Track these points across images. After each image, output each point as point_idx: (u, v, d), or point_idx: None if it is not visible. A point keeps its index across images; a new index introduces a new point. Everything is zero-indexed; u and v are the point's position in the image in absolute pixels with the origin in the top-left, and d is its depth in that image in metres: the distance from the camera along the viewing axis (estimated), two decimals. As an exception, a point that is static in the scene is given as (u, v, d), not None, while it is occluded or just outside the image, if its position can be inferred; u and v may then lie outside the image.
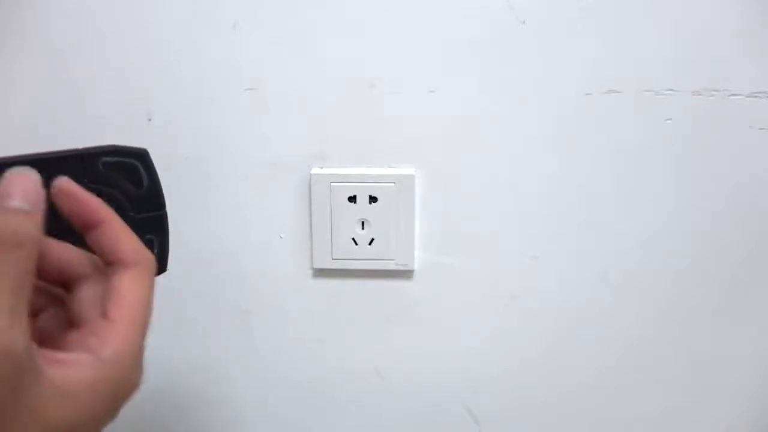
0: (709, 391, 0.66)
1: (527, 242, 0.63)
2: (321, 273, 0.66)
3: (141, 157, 0.38)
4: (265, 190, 0.64)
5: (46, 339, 0.31)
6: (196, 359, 0.69)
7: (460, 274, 0.65)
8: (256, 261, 0.66)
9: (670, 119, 0.59)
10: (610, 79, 0.59)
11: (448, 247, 0.64)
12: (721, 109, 0.58)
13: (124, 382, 0.31)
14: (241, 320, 0.67)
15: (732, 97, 0.58)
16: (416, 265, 0.65)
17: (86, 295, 0.33)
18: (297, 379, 0.69)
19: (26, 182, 0.30)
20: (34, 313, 0.30)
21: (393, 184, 0.62)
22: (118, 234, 0.33)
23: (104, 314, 0.32)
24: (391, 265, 0.64)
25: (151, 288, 0.33)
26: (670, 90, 0.59)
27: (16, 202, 0.29)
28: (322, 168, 0.63)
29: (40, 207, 0.30)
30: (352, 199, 0.63)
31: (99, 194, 0.36)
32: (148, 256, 0.34)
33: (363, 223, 0.63)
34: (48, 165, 0.35)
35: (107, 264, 0.33)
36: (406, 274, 0.65)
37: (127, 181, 0.38)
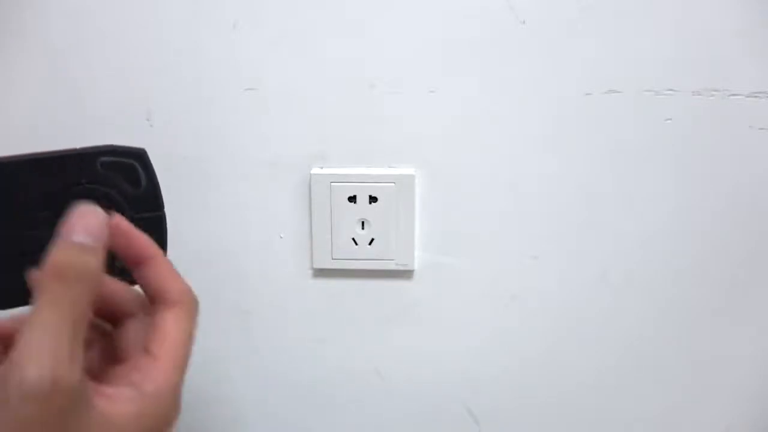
0: (709, 391, 0.66)
1: (527, 242, 0.63)
2: (321, 273, 0.66)
3: (139, 157, 0.38)
4: (265, 190, 0.64)
5: (92, 371, 0.32)
6: (196, 359, 0.68)
7: (460, 274, 0.65)
8: (256, 261, 0.66)
9: (670, 119, 0.59)
10: (610, 79, 0.59)
11: (448, 247, 0.64)
12: (721, 109, 0.58)
13: (164, 416, 0.32)
14: (241, 320, 0.67)
15: (732, 97, 0.58)
16: (416, 265, 0.65)
17: (131, 332, 0.35)
18: (297, 379, 0.69)
19: (91, 218, 0.31)
20: (85, 346, 0.31)
21: (393, 184, 0.62)
22: (165, 273, 0.34)
23: (147, 350, 0.33)
24: (391, 265, 0.64)
25: (193, 326, 0.35)
26: (670, 90, 0.59)
27: (81, 237, 0.30)
28: (322, 168, 0.63)
29: (103, 243, 0.31)
30: (352, 199, 0.63)
31: (97, 194, 0.36)
32: (192, 296, 0.35)
33: (363, 223, 0.63)
34: (47, 165, 0.35)
35: (152, 301, 0.34)
36: (406, 274, 0.65)
37: (125, 181, 0.38)
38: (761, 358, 0.64)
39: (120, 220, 0.33)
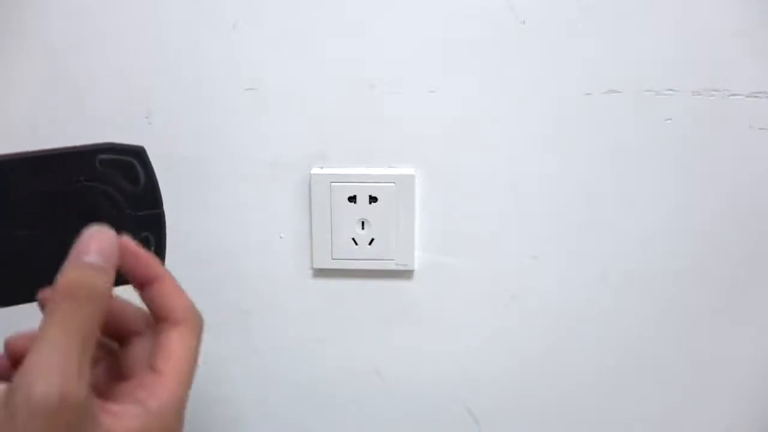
0: (709, 391, 0.66)
1: (527, 242, 0.63)
2: (321, 273, 0.66)
3: (138, 154, 0.38)
4: (265, 190, 0.64)
5: (98, 388, 0.33)
6: (196, 359, 0.68)
7: (460, 274, 0.65)
8: (256, 261, 0.66)
9: (670, 119, 0.59)
10: (610, 79, 0.59)
11: (448, 247, 0.64)
12: (721, 109, 0.58)
13: (168, 430, 0.33)
14: (241, 320, 0.67)
15: (732, 97, 0.58)
16: (416, 265, 0.65)
17: (137, 350, 0.35)
18: (297, 379, 0.69)
19: (103, 239, 0.32)
20: (92, 364, 0.32)
21: (393, 184, 0.62)
22: (171, 291, 0.35)
23: (153, 368, 0.33)
24: (391, 265, 0.64)
25: (198, 344, 0.35)
26: (670, 90, 0.59)
27: (92, 257, 0.31)
28: (322, 168, 0.63)
29: (114, 264, 0.32)
30: (352, 199, 0.63)
31: (96, 192, 0.36)
32: (197, 315, 0.36)
33: (363, 223, 0.63)
34: (46, 163, 0.35)
35: (157, 319, 0.35)
36: (406, 274, 0.65)
37: (124, 179, 0.38)
38: (761, 358, 0.64)
39: (128, 241, 0.34)
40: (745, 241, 0.62)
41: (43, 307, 0.33)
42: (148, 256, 0.35)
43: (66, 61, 0.62)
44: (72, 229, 0.34)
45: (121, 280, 0.34)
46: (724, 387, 0.65)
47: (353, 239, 0.64)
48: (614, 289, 0.64)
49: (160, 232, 0.40)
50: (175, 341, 0.34)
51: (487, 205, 0.63)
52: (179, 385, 0.34)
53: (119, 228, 0.36)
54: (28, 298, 0.36)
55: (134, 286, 0.35)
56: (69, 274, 0.31)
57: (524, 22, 0.58)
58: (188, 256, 0.65)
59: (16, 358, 0.34)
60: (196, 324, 0.36)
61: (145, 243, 0.38)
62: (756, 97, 0.58)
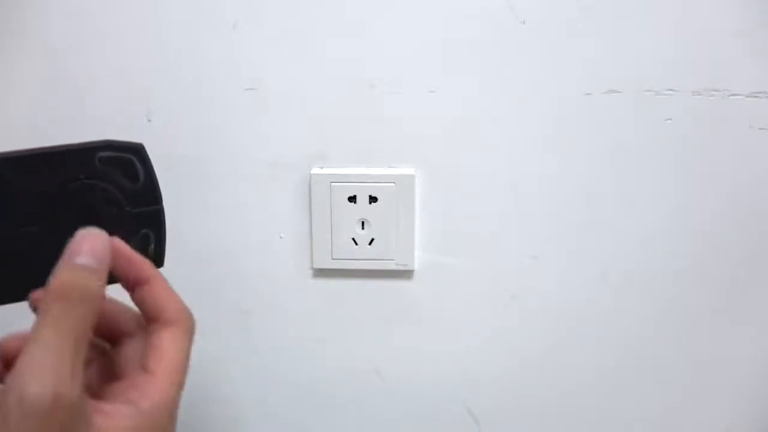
0: (709, 391, 0.66)
1: (527, 242, 0.63)
2: (321, 273, 0.66)
3: (137, 151, 0.38)
4: (265, 190, 0.64)
5: (90, 389, 0.33)
6: (196, 359, 0.68)
7: (460, 274, 0.65)
8: (256, 261, 0.66)
9: (670, 119, 0.59)
10: (610, 79, 0.59)
11: (448, 247, 0.64)
12: (721, 109, 0.58)
13: (161, 429, 0.33)
14: (241, 320, 0.67)
15: (732, 97, 0.58)
16: (416, 265, 0.65)
17: (129, 350, 0.36)
18: (297, 379, 0.69)
19: (95, 241, 0.32)
20: (84, 365, 0.32)
21: (393, 184, 0.62)
22: (162, 293, 0.35)
23: (145, 368, 0.34)
24: (391, 265, 0.64)
25: (189, 345, 0.36)
26: (670, 90, 0.59)
27: (85, 259, 0.31)
28: (322, 168, 0.63)
29: (106, 266, 0.32)
30: (352, 199, 0.63)
31: (95, 189, 0.36)
32: (188, 315, 0.36)
33: (363, 223, 0.63)
34: (45, 160, 0.35)
35: (149, 320, 0.35)
36: (406, 274, 0.65)
37: (124, 176, 0.38)
38: (761, 358, 0.64)
39: (120, 243, 0.34)
40: (745, 241, 0.62)
41: (35, 308, 0.33)
42: (140, 258, 0.35)
43: (66, 61, 0.62)
44: (72, 226, 0.34)
45: (111, 279, 0.35)
46: (724, 387, 0.65)
47: (353, 239, 0.64)
48: (614, 289, 0.64)
49: (160, 228, 0.40)
50: (166, 342, 0.34)
51: (487, 205, 0.63)
52: (171, 385, 0.34)
53: (119, 225, 0.36)
54: (25, 296, 0.36)
55: (126, 288, 0.35)
56: (62, 275, 0.31)
57: (524, 22, 0.58)
58: (188, 256, 0.65)
59: (8, 360, 0.34)
60: (187, 324, 0.36)
61: (145, 240, 0.38)
62: (756, 97, 0.58)
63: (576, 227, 0.63)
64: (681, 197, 0.61)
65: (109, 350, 0.37)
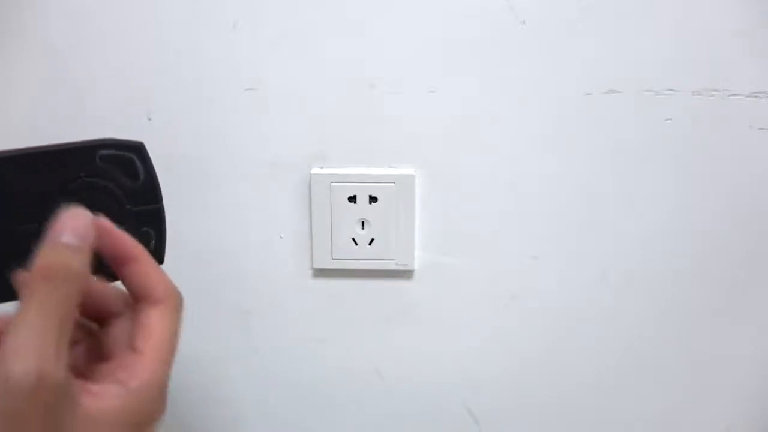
0: (709, 391, 0.66)
1: (527, 242, 0.63)
2: (321, 273, 0.66)
3: (137, 149, 0.39)
4: (265, 190, 0.64)
5: (79, 370, 0.33)
6: (196, 359, 0.69)
7: (460, 274, 0.65)
8: (256, 261, 0.66)
9: (670, 119, 0.59)
10: (610, 79, 0.59)
11: (448, 247, 0.64)
12: (721, 109, 0.58)
13: (149, 412, 0.33)
14: (241, 320, 0.67)
15: (732, 97, 0.58)
16: (416, 265, 0.65)
17: (117, 330, 0.35)
18: (297, 379, 0.69)
19: (78, 220, 0.32)
20: (71, 345, 0.32)
21: (393, 184, 0.62)
22: (149, 271, 0.35)
23: (133, 348, 0.33)
24: (391, 265, 0.64)
25: (177, 323, 0.35)
26: (670, 90, 0.59)
27: (68, 238, 0.31)
28: (322, 168, 0.63)
29: (89, 244, 0.32)
30: (352, 199, 0.63)
31: (96, 187, 0.36)
32: (176, 293, 0.35)
33: (363, 223, 0.63)
34: (46, 159, 0.35)
35: (136, 299, 0.35)
36: (406, 274, 0.65)
37: (124, 175, 0.38)
38: (761, 358, 0.64)
39: (104, 222, 0.34)
40: (745, 241, 0.62)
41: (19, 289, 0.32)
42: (126, 236, 0.35)
43: (66, 61, 0.62)
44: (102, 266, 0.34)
45: (99, 260, 0.34)
46: (724, 387, 0.65)
47: (353, 239, 0.64)
48: (614, 289, 0.64)
49: (160, 227, 0.40)
50: (154, 320, 0.34)
51: (487, 205, 0.63)
52: (160, 364, 0.33)
53: (119, 223, 0.36)
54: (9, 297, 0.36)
55: (113, 267, 0.35)
56: (45, 255, 0.31)
57: (524, 22, 0.58)
58: (188, 256, 0.65)
59: None
60: (175, 303, 0.35)
61: (145, 238, 0.39)
62: (756, 97, 0.58)
63: (576, 227, 0.63)
64: (681, 197, 0.61)
65: (97, 331, 0.36)
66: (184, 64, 0.61)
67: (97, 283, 0.35)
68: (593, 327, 0.65)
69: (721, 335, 0.64)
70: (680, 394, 0.66)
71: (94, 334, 0.36)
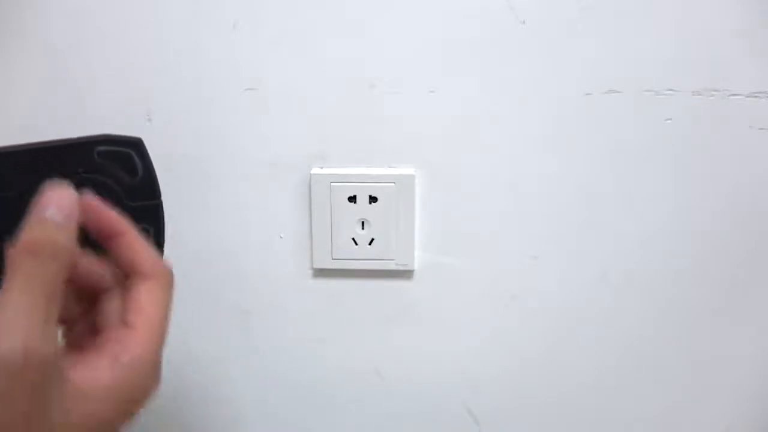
0: (709, 391, 0.66)
1: (527, 242, 0.63)
2: (321, 273, 0.66)
3: (135, 145, 0.39)
4: (265, 190, 0.64)
5: (72, 347, 0.33)
6: (196, 359, 0.69)
7: (460, 274, 0.65)
8: (256, 261, 0.66)
9: (670, 119, 0.59)
10: (610, 79, 0.59)
11: (448, 247, 0.64)
12: (721, 109, 0.58)
13: (141, 386, 0.33)
14: (241, 320, 0.67)
15: (732, 97, 0.58)
16: (416, 265, 0.65)
17: (109, 306, 0.35)
18: (297, 379, 0.69)
19: (63, 196, 0.32)
20: (61, 322, 0.32)
21: (393, 184, 0.62)
22: (137, 246, 0.35)
23: (124, 323, 0.33)
24: (391, 265, 0.64)
25: (168, 298, 0.35)
26: (670, 90, 0.59)
27: (52, 214, 0.31)
28: (322, 168, 0.63)
29: (75, 220, 0.32)
30: (352, 199, 0.63)
31: (94, 183, 0.36)
32: (165, 268, 0.35)
33: (363, 223, 0.63)
34: (44, 155, 0.35)
35: (126, 274, 0.35)
36: (406, 274, 0.65)
37: (122, 170, 0.38)
38: (761, 358, 0.64)
39: (90, 198, 0.34)
40: (745, 241, 0.62)
41: (5, 266, 0.32)
42: (112, 212, 0.35)
43: (66, 61, 0.62)
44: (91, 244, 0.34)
45: (89, 246, 0.34)
46: (724, 387, 0.65)
47: (353, 239, 0.64)
48: (614, 289, 0.64)
49: (159, 223, 0.40)
50: (144, 295, 0.34)
51: (487, 205, 0.63)
52: (150, 338, 0.33)
53: None
54: None
55: (102, 244, 0.35)
56: (30, 231, 0.31)
57: (524, 22, 0.58)
58: (188, 256, 0.65)
59: None
60: (166, 278, 0.35)
61: (144, 234, 0.39)
62: (756, 97, 0.58)
63: (576, 227, 0.63)
64: (681, 197, 0.61)
65: (88, 308, 0.36)
66: (184, 64, 0.61)
67: (87, 259, 0.35)
68: (593, 327, 0.65)
69: (721, 335, 0.64)
70: (680, 394, 0.66)
71: (86, 312, 0.36)
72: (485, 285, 0.65)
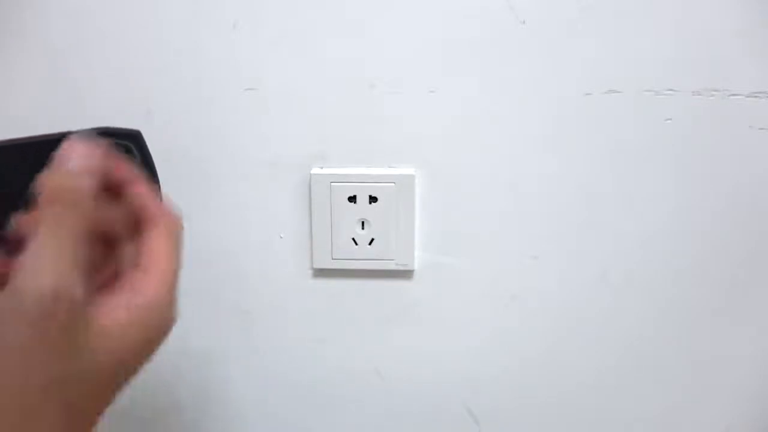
0: (709, 391, 0.66)
1: (527, 242, 0.63)
2: (321, 273, 0.66)
3: (134, 137, 0.39)
4: (265, 190, 0.64)
5: (93, 291, 0.35)
6: (196, 359, 0.69)
7: (460, 274, 0.65)
8: (256, 261, 0.66)
9: (670, 119, 0.59)
10: (610, 79, 0.59)
11: (448, 247, 0.64)
12: (721, 109, 0.58)
13: (157, 326, 0.35)
14: (241, 320, 0.67)
15: (732, 97, 0.58)
16: (416, 265, 0.65)
17: (125, 252, 0.37)
18: (297, 379, 0.69)
19: (83, 148, 0.34)
20: (91, 269, 0.33)
21: (393, 184, 0.62)
22: (146, 194, 0.37)
23: (138, 266, 0.36)
24: (391, 265, 0.64)
25: (177, 242, 0.37)
26: (670, 90, 0.59)
27: (74, 163, 0.33)
28: (322, 168, 0.63)
29: (94, 168, 0.34)
30: (352, 199, 0.63)
31: None
32: (172, 216, 0.37)
33: (363, 223, 0.63)
34: (43, 147, 0.35)
35: (137, 221, 0.37)
36: (406, 274, 0.65)
37: None
38: (761, 358, 0.64)
39: (105, 148, 0.36)
40: (745, 241, 0.62)
41: (29, 219, 0.33)
42: (123, 161, 0.37)
43: (66, 61, 0.62)
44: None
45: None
46: (724, 387, 0.65)
47: (353, 239, 0.64)
48: (614, 289, 0.64)
49: None
50: (154, 240, 0.36)
51: (487, 205, 0.63)
52: (162, 280, 0.35)
53: None
54: None
55: (115, 191, 0.36)
56: (54, 180, 0.33)
57: (524, 22, 0.58)
58: (188, 256, 0.65)
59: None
60: (173, 224, 0.37)
61: None
62: (756, 97, 0.58)
63: (576, 227, 0.63)
64: (681, 197, 0.61)
65: (109, 253, 0.38)
66: (184, 64, 0.61)
67: (105, 208, 0.36)
68: (593, 327, 0.65)
69: (721, 335, 0.64)
70: (680, 394, 0.66)
71: (106, 256, 0.38)
72: (485, 285, 0.65)
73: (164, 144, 0.62)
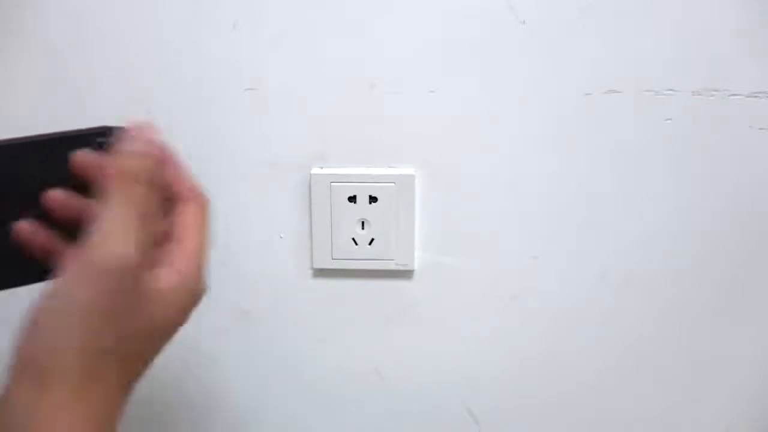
0: (709, 391, 0.66)
1: (527, 242, 0.63)
2: (321, 273, 0.66)
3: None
4: (265, 190, 0.64)
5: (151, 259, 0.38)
6: (196, 359, 0.69)
7: (460, 274, 0.65)
8: (256, 261, 0.66)
9: (670, 119, 0.59)
10: (610, 79, 0.59)
11: (448, 247, 0.64)
12: (721, 109, 0.58)
13: (194, 291, 0.39)
14: (241, 320, 0.67)
15: (732, 97, 0.58)
16: (416, 265, 0.65)
17: (166, 225, 0.40)
18: (297, 379, 0.69)
19: (145, 131, 0.39)
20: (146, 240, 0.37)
21: (393, 184, 0.62)
22: (180, 174, 0.41)
23: (174, 239, 0.39)
24: (391, 265, 0.64)
25: (206, 217, 0.41)
26: (670, 90, 0.59)
27: (142, 145, 0.38)
28: (322, 168, 0.63)
29: (157, 149, 0.38)
30: (352, 199, 0.63)
31: None
32: (202, 194, 0.41)
33: (363, 223, 0.63)
34: (46, 146, 0.36)
35: (173, 198, 0.40)
36: (406, 274, 0.65)
37: None
38: (761, 358, 0.64)
39: (153, 128, 0.40)
40: (745, 241, 0.62)
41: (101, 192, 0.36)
42: (163, 142, 0.40)
43: (66, 61, 0.62)
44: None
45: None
46: (724, 387, 0.65)
47: (353, 239, 0.64)
48: (614, 289, 0.64)
49: None
50: (186, 216, 0.40)
51: (487, 205, 0.63)
52: (195, 252, 0.39)
53: None
54: (32, 279, 0.36)
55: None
56: (125, 159, 0.37)
57: (524, 22, 0.58)
58: (188, 256, 0.65)
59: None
60: (203, 201, 0.41)
61: None
62: (756, 97, 0.58)
63: (576, 227, 0.63)
64: (681, 197, 0.61)
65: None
66: (184, 64, 0.61)
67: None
68: (593, 327, 0.65)
69: (721, 335, 0.64)
70: (680, 394, 0.66)
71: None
72: (485, 285, 0.65)
73: (164, 144, 0.62)
